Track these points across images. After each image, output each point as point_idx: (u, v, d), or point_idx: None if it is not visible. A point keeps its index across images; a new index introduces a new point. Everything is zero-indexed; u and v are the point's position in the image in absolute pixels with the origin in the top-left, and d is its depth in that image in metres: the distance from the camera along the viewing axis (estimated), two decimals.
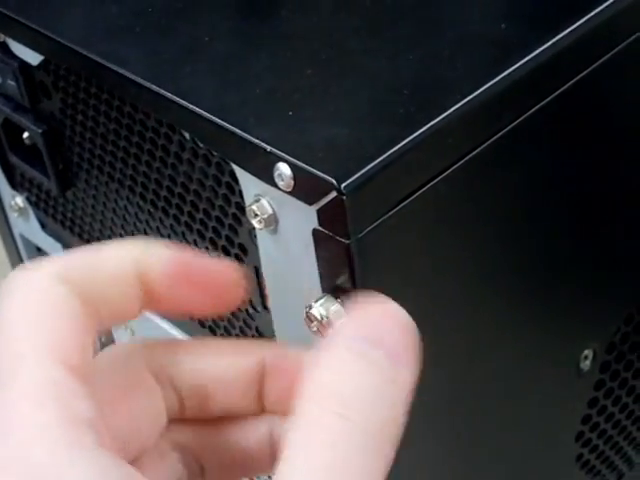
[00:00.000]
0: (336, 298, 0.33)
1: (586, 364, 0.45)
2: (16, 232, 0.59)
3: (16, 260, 0.61)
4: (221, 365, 0.31)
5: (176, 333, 0.47)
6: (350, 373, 0.25)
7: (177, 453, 0.31)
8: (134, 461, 0.29)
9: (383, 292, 0.34)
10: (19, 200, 0.55)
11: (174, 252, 0.30)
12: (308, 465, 0.23)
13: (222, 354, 0.31)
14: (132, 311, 0.29)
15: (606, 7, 0.37)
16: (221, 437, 0.32)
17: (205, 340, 0.33)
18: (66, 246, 0.53)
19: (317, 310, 0.32)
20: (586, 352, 0.45)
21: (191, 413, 0.31)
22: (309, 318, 0.32)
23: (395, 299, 0.34)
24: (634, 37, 0.39)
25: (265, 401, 0.31)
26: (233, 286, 0.30)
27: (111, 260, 0.28)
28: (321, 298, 0.32)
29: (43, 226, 0.55)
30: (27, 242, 0.58)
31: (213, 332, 0.44)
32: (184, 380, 0.31)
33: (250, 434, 0.32)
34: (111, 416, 0.26)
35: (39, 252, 0.58)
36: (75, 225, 0.51)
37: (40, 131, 0.46)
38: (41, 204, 0.54)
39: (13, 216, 0.57)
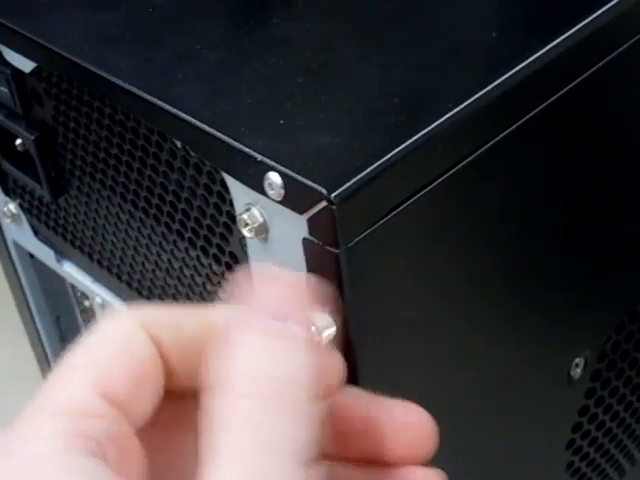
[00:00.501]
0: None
1: (577, 372, 0.45)
2: (9, 238, 0.59)
3: (9, 266, 0.61)
4: None
5: None
6: (247, 352, 0.25)
7: None
8: None
9: (373, 301, 0.34)
10: (12, 207, 0.55)
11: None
12: (234, 444, 0.24)
13: None
14: None
15: (600, 14, 0.37)
16: None
17: None
18: (58, 252, 0.53)
19: None
20: (577, 360, 0.45)
21: None
22: None
23: (384, 307, 0.34)
24: (629, 43, 0.39)
25: None
26: None
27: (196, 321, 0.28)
28: None
29: (36, 232, 0.55)
30: (20, 248, 0.58)
31: None
32: None
33: None
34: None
35: (32, 258, 0.58)
36: (67, 232, 0.51)
37: (32, 138, 0.46)
38: (34, 211, 0.54)
39: (6, 222, 0.57)
